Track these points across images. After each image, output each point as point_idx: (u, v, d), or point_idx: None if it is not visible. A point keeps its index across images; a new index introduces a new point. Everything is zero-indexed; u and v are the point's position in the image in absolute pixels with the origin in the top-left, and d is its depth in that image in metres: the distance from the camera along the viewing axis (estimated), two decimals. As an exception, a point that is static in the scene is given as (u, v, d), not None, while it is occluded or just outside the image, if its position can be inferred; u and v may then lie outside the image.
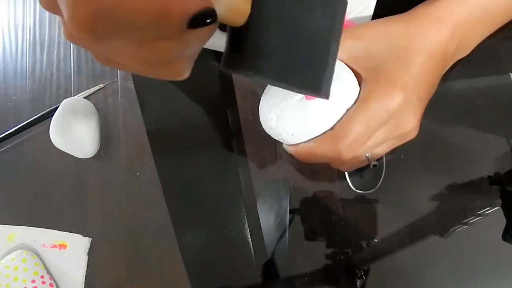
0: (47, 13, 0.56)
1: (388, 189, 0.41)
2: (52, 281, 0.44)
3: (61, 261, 0.45)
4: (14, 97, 0.53)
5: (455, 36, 0.34)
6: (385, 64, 0.32)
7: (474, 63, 0.39)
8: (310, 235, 0.42)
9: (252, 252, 0.43)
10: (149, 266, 0.44)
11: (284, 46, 0.22)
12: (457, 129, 0.42)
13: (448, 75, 0.37)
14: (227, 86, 0.48)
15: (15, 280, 0.43)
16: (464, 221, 0.39)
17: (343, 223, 0.42)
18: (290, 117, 0.32)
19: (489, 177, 0.40)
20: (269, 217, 0.43)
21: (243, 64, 0.22)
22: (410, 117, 0.32)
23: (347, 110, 0.31)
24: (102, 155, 0.48)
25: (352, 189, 0.40)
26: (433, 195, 0.41)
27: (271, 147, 0.45)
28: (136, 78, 0.50)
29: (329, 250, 0.41)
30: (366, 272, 0.40)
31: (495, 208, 0.39)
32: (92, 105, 0.49)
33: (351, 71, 0.33)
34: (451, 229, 0.40)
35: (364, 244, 0.41)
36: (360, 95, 0.32)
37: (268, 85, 0.34)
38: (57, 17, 0.55)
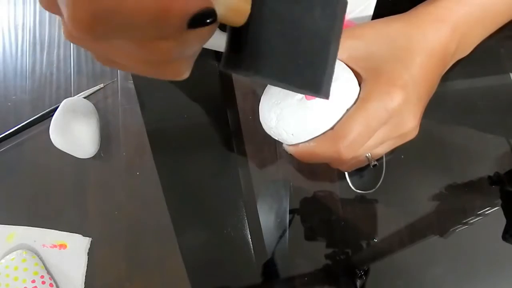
0: (47, 13, 0.56)
1: (388, 189, 0.41)
2: (52, 281, 0.44)
3: (61, 261, 0.45)
4: (14, 97, 0.53)
5: (455, 36, 0.34)
6: (385, 64, 0.32)
7: (474, 63, 0.39)
8: (310, 235, 0.42)
9: (252, 252, 0.43)
10: (149, 266, 0.44)
11: (284, 46, 0.22)
12: (457, 129, 0.42)
13: (448, 75, 0.37)
14: (227, 86, 0.48)
15: (15, 280, 0.43)
16: (464, 221, 0.39)
17: (343, 223, 0.42)
18: (290, 117, 0.32)
19: (489, 177, 0.40)
20: (269, 217, 0.43)
21: (243, 64, 0.22)
22: (410, 117, 0.32)
23: (347, 110, 0.31)
24: (102, 155, 0.48)
25: (352, 189, 0.40)
26: (433, 195, 0.41)
27: (271, 147, 0.45)
28: (136, 78, 0.50)
29: (329, 250, 0.41)
30: (366, 272, 0.40)
31: (495, 208, 0.39)
32: (92, 105, 0.49)
33: (351, 71, 0.33)
34: (451, 229, 0.40)
35: (364, 244, 0.41)
36: (360, 95, 0.32)
37: (268, 85, 0.34)
38: (57, 17, 0.55)
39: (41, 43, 0.54)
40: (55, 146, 0.46)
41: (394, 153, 0.41)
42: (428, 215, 0.40)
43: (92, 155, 0.47)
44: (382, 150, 0.34)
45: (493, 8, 0.35)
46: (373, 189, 0.40)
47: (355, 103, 0.31)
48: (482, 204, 0.39)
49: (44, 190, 0.48)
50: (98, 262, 0.45)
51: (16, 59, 0.54)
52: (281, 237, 0.42)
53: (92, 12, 0.17)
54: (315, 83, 0.24)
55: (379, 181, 0.40)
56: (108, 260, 0.45)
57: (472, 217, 0.39)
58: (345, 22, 0.28)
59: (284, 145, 0.35)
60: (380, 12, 0.38)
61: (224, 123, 0.47)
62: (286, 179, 0.44)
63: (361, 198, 0.42)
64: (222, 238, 0.44)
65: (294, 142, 0.33)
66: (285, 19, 0.22)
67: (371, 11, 0.39)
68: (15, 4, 0.57)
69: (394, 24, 0.33)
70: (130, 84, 0.50)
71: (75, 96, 0.49)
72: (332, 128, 0.31)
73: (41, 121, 0.50)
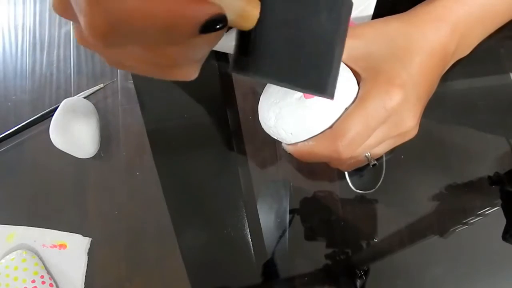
0: (47, 13, 0.56)
1: (388, 189, 0.41)
2: (52, 281, 0.44)
3: (61, 261, 0.45)
4: (14, 97, 0.53)
5: (455, 36, 0.34)
6: (384, 63, 0.32)
7: (474, 63, 0.39)
8: (310, 235, 0.42)
9: (252, 252, 0.43)
10: (149, 266, 0.44)
11: (290, 49, 0.23)
12: (457, 129, 0.42)
13: (448, 75, 0.37)
14: (227, 86, 0.48)
15: (15, 280, 0.43)
16: (464, 221, 0.39)
17: (343, 223, 0.42)
18: (289, 116, 0.32)
19: (489, 177, 0.40)
20: (269, 217, 0.43)
21: (251, 67, 0.23)
22: (410, 116, 0.32)
23: (346, 109, 0.31)
24: (102, 155, 0.48)
25: (352, 189, 0.40)
26: (433, 195, 0.41)
27: (271, 147, 0.45)
28: (136, 78, 0.50)
29: (329, 250, 0.41)
30: (366, 272, 0.40)
31: (495, 208, 0.39)
32: (92, 105, 0.49)
33: (350, 70, 0.33)
34: (451, 229, 0.40)
35: (364, 244, 0.41)
36: (358, 94, 0.32)
37: (268, 85, 0.35)
38: (57, 17, 0.55)
39: (41, 43, 0.54)
40: (55, 146, 0.46)
41: (394, 153, 0.41)
42: (428, 215, 0.40)
43: (92, 155, 0.47)
44: (381, 149, 0.34)
45: (493, 8, 0.35)
46: (373, 189, 0.40)
47: (354, 102, 0.31)
48: (482, 204, 0.39)
49: (44, 190, 0.48)
50: (98, 262, 0.45)
51: (16, 59, 0.54)
52: (281, 237, 0.42)
53: (108, 20, 0.18)
54: (320, 84, 0.24)
55: (379, 181, 0.40)
56: (108, 260, 0.45)
57: (472, 217, 0.39)
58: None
59: (283, 144, 0.35)
60: (380, 12, 0.38)
61: (224, 123, 0.47)
62: (286, 179, 0.44)
63: (361, 198, 0.42)
64: (222, 238, 0.44)
65: (293, 141, 0.33)
66: (292, 23, 0.23)
67: (371, 11, 0.39)
68: (15, 4, 0.57)
69: (394, 24, 0.33)
70: (130, 84, 0.50)
71: (75, 96, 0.50)
72: (331, 127, 0.31)
73: (41, 121, 0.50)
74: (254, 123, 0.44)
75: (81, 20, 0.18)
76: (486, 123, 0.42)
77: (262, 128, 0.35)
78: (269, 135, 0.35)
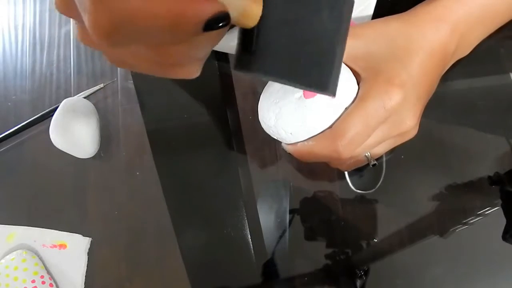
0: (47, 13, 0.56)
1: (388, 189, 0.41)
2: (52, 281, 0.44)
3: (61, 261, 0.45)
4: (14, 97, 0.53)
5: (455, 36, 0.34)
6: (383, 63, 0.32)
7: (474, 63, 0.39)
8: (310, 235, 0.42)
9: (252, 252, 0.43)
10: (149, 266, 0.44)
11: (292, 47, 0.23)
12: (457, 129, 0.42)
13: (448, 75, 0.37)
14: (227, 86, 0.48)
15: (15, 280, 0.43)
16: (464, 221, 0.39)
17: (343, 223, 0.42)
18: (288, 116, 0.32)
19: (489, 177, 0.40)
20: (269, 217, 0.43)
21: (253, 65, 0.23)
22: (409, 116, 0.32)
23: (346, 109, 0.31)
24: (102, 155, 0.48)
25: (352, 189, 0.40)
26: (433, 195, 0.41)
27: (271, 147, 0.45)
28: (136, 78, 0.50)
29: (329, 250, 0.41)
30: (366, 272, 0.40)
31: (495, 208, 0.39)
32: (92, 105, 0.49)
33: (350, 70, 0.33)
34: (451, 229, 0.40)
35: (364, 244, 0.41)
36: (358, 94, 0.32)
37: (267, 84, 0.35)
38: (57, 17, 0.55)
39: (41, 43, 0.54)
40: (55, 146, 0.46)
41: (394, 153, 0.41)
42: (428, 215, 0.40)
43: (92, 155, 0.47)
44: (381, 149, 0.34)
45: (493, 8, 0.35)
46: (373, 189, 0.40)
47: (353, 102, 0.31)
48: (482, 204, 0.39)
49: (44, 190, 0.48)
50: (98, 262, 0.45)
51: (16, 59, 0.54)
52: (281, 237, 0.42)
53: (112, 20, 0.18)
54: (322, 82, 0.25)
55: (379, 181, 0.40)
56: (108, 260, 0.45)
57: (472, 217, 0.39)
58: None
59: (283, 144, 0.35)
60: (380, 12, 0.38)
61: (224, 123, 0.47)
62: (286, 179, 0.44)
63: (361, 198, 0.42)
64: (222, 238, 0.44)
65: (293, 141, 0.33)
66: (294, 21, 0.23)
67: (371, 11, 0.39)
68: (15, 4, 0.57)
69: (394, 24, 0.33)
70: (130, 84, 0.50)
71: (75, 96, 0.50)
72: (330, 127, 0.31)
73: (41, 121, 0.50)
74: (254, 123, 0.44)
75: (85, 19, 0.18)
76: (486, 123, 0.42)
77: (262, 128, 0.35)
78: (269, 135, 0.35)
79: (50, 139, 0.46)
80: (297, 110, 0.31)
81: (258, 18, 0.22)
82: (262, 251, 0.42)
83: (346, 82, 0.32)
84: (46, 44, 0.54)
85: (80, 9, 0.19)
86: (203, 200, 0.45)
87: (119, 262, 0.45)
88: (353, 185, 0.40)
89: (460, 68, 0.39)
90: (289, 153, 0.35)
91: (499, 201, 0.39)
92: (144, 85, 0.50)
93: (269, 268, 0.42)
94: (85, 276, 0.45)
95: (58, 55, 0.53)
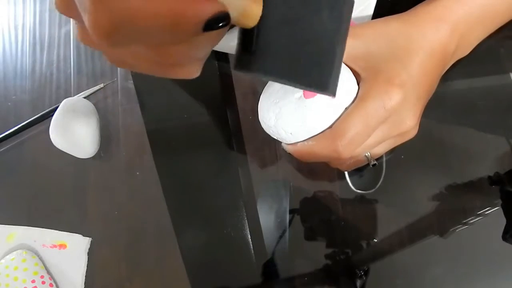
0: (47, 13, 0.56)
1: (388, 189, 0.41)
2: (52, 281, 0.44)
3: (61, 261, 0.45)
4: (14, 97, 0.53)
5: (455, 35, 0.34)
6: (383, 63, 0.32)
7: (474, 63, 0.39)
8: (310, 235, 0.42)
9: (252, 252, 0.43)
10: (149, 266, 0.44)
11: (292, 47, 0.23)
12: (457, 129, 0.42)
13: (448, 75, 0.37)
14: (227, 86, 0.48)
15: (15, 280, 0.43)
16: (464, 221, 0.39)
17: (343, 223, 0.42)
18: (288, 116, 0.32)
19: (489, 177, 0.40)
20: (269, 217, 0.43)
21: (253, 65, 0.23)
22: (409, 116, 0.32)
23: (346, 109, 0.31)
24: (102, 155, 0.48)
25: (352, 189, 0.40)
26: (433, 195, 0.41)
27: (271, 147, 0.45)
28: (136, 78, 0.50)
29: (329, 250, 0.41)
30: (366, 272, 0.40)
31: (495, 208, 0.39)
32: (92, 105, 0.49)
33: (349, 70, 0.33)
34: (451, 229, 0.40)
35: (364, 244, 0.41)
36: (358, 94, 0.32)
37: (267, 84, 0.35)
38: (57, 17, 0.55)
39: (41, 43, 0.54)
40: (55, 146, 0.46)
41: (394, 153, 0.41)
42: (428, 215, 0.40)
43: (92, 155, 0.47)
44: (381, 149, 0.34)
45: (493, 8, 0.35)
46: (373, 189, 0.40)
47: (353, 102, 0.31)
48: (482, 204, 0.39)
49: (44, 190, 0.48)
50: (98, 262, 0.45)
51: (16, 59, 0.54)
52: (281, 237, 0.42)
53: (112, 20, 0.18)
54: (322, 82, 0.25)
55: (379, 181, 0.40)
56: (108, 260, 0.45)
57: (472, 217, 0.39)
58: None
59: (283, 144, 0.35)
60: (380, 12, 0.38)
61: (224, 123, 0.47)
62: (286, 179, 0.44)
63: (361, 198, 0.42)
64: (222, 238, 0.44)
65: (293, 141, 0.33)
66: (294, 21, 0.23)
67: (371, 11, 0.39)
68: (15, 4, 0.57)
69: (394, 24, 0.33)
70: (130, 84, 0.50)
71: (75, 96, 0.50)
72: (330, 127, 0.32)
73: (41, 121, 0.50)
74: (254, 123, 0.44)
75: (85, 19, 0.18)
76: (486, 123, 0.42)
77: (262, 128, 0.35)
78: (269, 135, 0.35)
79: (50, 139, 0.46)
80: (297, 110, 0.31)
81: (258, 18, 0.22)
82: (262, 251, 0.42)
83: (346, 82, 0.32)
84: (46, 44, 0.54)
85: (80, 9, 0.19)
86: (203, 200, 0.45)
87: (119, 262, 0.45)
88: (353, 185, 0.40)
89: (460, 68, 0.39)
90: (289, 153, 0.35)
91: (499, 201, 0.39)
92: (144, 85, 0.50)
93: (269, 268, 0.42)
94: (85, 276, 0.45)
95: (58, 55, 0.53)
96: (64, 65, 0.53)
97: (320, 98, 0.31)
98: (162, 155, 0.47)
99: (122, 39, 0.19)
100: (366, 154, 0.34)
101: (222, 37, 0.21)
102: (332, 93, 0.25)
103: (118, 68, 0.51)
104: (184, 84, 0.48)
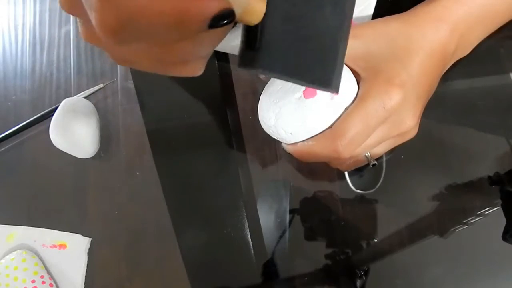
0: (47, 13, 0.56)
1: (388, 189, 0.41)
2: (52, 281, 0.44)
3: (61, 261, 0.45)
4: (14, 97, 0.53)
5: (455, 35, 0.34)
6: (383, 63, 0.32)
7: (474, 63, 0.39)
8: (310, 235, 0.42)
9: (252, 252, 0.43)
10: (149, 266, 0.44)
11: (296, 43, 0.23)
12: (457, 129, 0.42)
13: (448, 75, 0.37)
14: (227, 86, 0.48)
15: (15, 280, 0.43)
16: (464, 221, 0.39)
17: (343, 223, 0.42)
18: (288, 116, 0.32)
19: (489, 177, 0.40)
20: (269, 217, 0.43)
21: (256, 62, 0.23)
22: (409, 116, 0.32)
23: (346, 109, 0.31)
24: (102, 155, 0.48)
25: (352, 189, 0.40)
26: (433, 195, 0.41)
27: (271, 147, 0.45)
28: (136, 78, 0.50)
29: (329, 250, 0.41)
30: (366, 272, 0.40)
31: (495, 208, 0.39)
32: (92, 105, 0.49)
33: (349, 70, 0.33)
34: (451, 229, 0.40)
35: (364, 244, 0.41)
36: (358, 94, 0.32)
37: (267, 84, 0.35)
38: (57, 17, 0.55)
39: (41, 43, 0.54)
40: (55, 146, 0.46)
41: (394, 153, 0.41)
42: (428, 215, 0.40)
43: (92, 155, 0.47)
44: (381, 149, 0.34)
45: (493, 8, 0.35)
46: (373, 189, 0.40)
47: (353, 102, 0.31)
48: (482, 204, 0.39)
49: (44, 190, 0.48)
50: (98, 262, 0.45)
51: (16, 59, 0.54)
52: (281, 237, 0.42)
53: (119, 17, 0.18)
54: (325, 78, 0.25)
55: (379, 181, 0.40)
56: (108, 260, 0.45)
57: (472, 217, 0.39)
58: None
59: (283, 144, 0.35)
60: (380, 12, 0.38)
61: (224, 123, 0.47)
62: (286, 179, 0.44)
63: (361, 198, 0.42)
64: (222, 238, 0.44)
65: (292, 141, 0.33)
66: (297, 18, 0.23)
67: (371, 11, 0.39)
68: (15, 4, 0.57)
69: (394, 24, 0.33)
70: (130, 84, 0.50)
71: (75, 96, 0.50)
72: (330, 127, 0.31)
73: (41, 121, 0.50)
74: (254, 123, 0.44)
75: (92, 17, 0.19)
76: (486, 123, 0.42)
77: (262, 128, 0.35)
78: (269, 135, 0.35)
79: (50, 139, 0.46)
80: (297, 110, 0.31)
81: (261, 15, 0.22)
82: (262, 251, 0.42)
83: (346, 82, 0.32)
84: (46, 44, 0.54)
85: (87, 7, 0.19)
86: (203, 200, 0.45)
87: (119, 262, 0.45)
88: (353, 185, 0.40)
89: (460, 68, 0.39)
90: (289, 153, 0.35)
91: (499, 201, 0.39)
92: (144, 85, 0.50)
93: (269, 268, 0.42)
94: (85, 276, 0.45)
95: (58, 55, 0.53)
96: (64, 65, 0.53)
97: (320, 98, 0.31)
98: (162, 155, 0.47)
99: (129, 37, 0.19)
100: (366, 154, 0.34)
101: (226, 35, 0.21)
102: (335, 90, 0.26)
103: (118, 68, 0.51)
104: (184, 84, 0.48)
